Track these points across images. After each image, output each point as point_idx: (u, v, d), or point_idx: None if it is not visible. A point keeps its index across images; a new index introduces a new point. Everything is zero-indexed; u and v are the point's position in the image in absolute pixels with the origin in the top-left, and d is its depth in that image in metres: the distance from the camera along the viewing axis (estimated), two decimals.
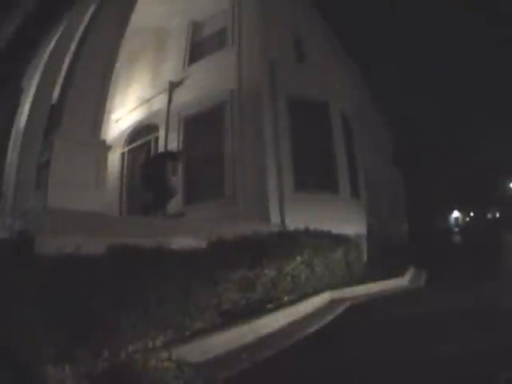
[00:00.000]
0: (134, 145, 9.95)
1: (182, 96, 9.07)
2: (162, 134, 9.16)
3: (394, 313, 4.68)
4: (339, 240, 6.55)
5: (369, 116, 18.97)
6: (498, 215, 52.85)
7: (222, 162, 7.90)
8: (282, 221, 7.19)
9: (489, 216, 55.24)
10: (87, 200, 5.03)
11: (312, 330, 3.97)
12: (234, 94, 8.11)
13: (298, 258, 5.13)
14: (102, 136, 6.10)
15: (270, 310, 4.20)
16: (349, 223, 7.98)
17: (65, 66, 6.14)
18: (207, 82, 8.63)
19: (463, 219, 60.16)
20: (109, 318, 2.62)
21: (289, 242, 5.37)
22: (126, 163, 9.91)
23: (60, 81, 6.13)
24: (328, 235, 6.50)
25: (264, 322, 3.88)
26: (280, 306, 4.42)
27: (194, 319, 3.34)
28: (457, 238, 29.72)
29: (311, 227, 6.44)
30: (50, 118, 5.77)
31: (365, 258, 8.39)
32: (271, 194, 7.28)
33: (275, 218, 7.15)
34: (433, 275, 7.68)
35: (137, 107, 10.14)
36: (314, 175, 8.09)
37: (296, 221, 6.77)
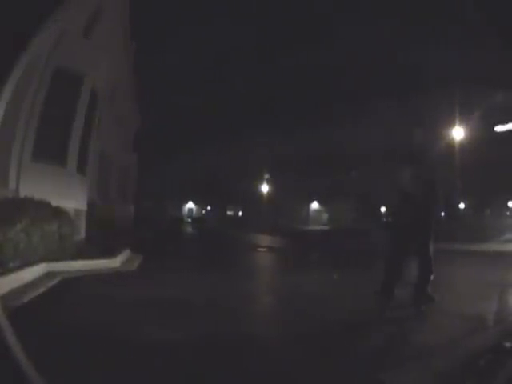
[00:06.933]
0: None
1: None
2: None
3: (87, 292, 5.02)
4: (57, 213, 6.67)
5: (122, 100, 19.31)
6: (240, 214, 59.19)
7: None
8: (17, 188, 7.45)
9: (229, 213, 60.65)
10: None
11: (25, 300, 4.17)
12: None
13: (19, 226, 5.33)
14: None
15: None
16: (71, 197, 8.50)
17: None
18: None
19: (198, 211, 64.73)
20: None
21: (14, 208, 5.57)
22: None
23: None
24: (48, 207, 6.58)
25: None
26: (5, 271, 4.67)
27: None
28: (189, 229, 33.37)
29: (38, 197, 6.55)
30: None
31: (82, 234, 8.80)
32: (13, 160, 7.49)
33: (13, 185, 7.42)
34: (148, 260, 8.24)
35: None
36: (53, 147, 8.57)
37: (29, 189, 7.02)
